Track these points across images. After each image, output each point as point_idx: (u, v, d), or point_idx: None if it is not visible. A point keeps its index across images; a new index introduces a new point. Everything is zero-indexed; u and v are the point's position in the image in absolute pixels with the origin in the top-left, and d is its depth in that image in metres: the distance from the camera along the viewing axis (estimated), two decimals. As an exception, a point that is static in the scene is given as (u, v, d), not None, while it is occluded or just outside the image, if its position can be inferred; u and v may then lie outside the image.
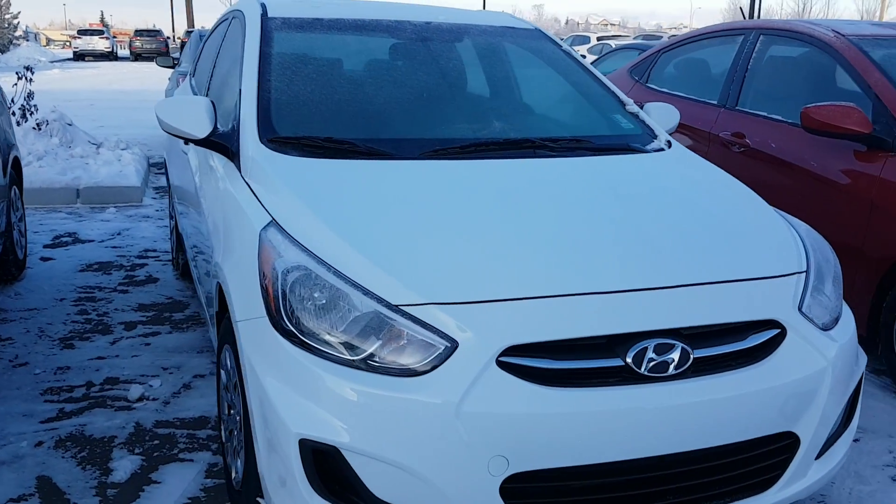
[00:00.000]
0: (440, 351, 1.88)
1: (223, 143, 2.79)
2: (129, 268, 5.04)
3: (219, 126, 2.83)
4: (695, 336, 2.02)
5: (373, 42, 3.29)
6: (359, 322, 1.93)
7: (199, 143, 2.82)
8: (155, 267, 5.07)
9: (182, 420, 3.05)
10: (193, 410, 3.13)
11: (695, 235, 2.30)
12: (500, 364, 1.87)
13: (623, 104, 3.27)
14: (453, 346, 1.87)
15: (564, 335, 1.91)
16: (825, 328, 2.22)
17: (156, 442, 2.88)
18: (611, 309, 1.98)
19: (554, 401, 1.86)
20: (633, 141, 2.95)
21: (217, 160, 2.90)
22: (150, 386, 3.33)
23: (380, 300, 1.93)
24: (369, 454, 1.85)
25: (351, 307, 1.95)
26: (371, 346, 1.91)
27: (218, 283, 2.50)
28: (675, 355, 1.96)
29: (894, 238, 3.43)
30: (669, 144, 3.03)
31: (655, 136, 3.08)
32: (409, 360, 1.89)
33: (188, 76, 4.81)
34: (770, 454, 2.12)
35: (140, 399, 3.21)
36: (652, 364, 1.94)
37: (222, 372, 2.56)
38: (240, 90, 2.89)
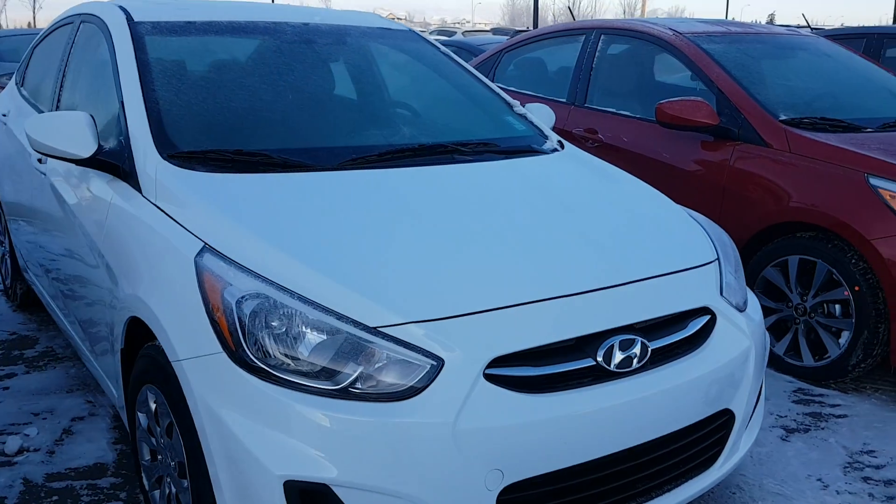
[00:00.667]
0: (426, 370, 1.83)
1: (112, 161, 2.54)
2: (-51, 303, 4.45)
3: (102, 143, 2.57)
4: (647, 329, 2.12)
5: (255, 45, 3.12)
6: (334, 348, 1.84)
7: (81, 163, 2.55)
8: (-18, 300, 4.52)
9: (76, 470, 2.75)
10: (85, 458, 2.83)
11: (628, 233, 2.41)
12: (487, 377, 1.86)
13: (510, 106, 3.34)
14: (439, 363, 1.84)
15: (542, 341, 1.94)
16: (740, 309, 2.41)
17: (54, 498, 2.58)
18: (576, 311, 2.03)
19: (540, 407, 1.87)
20: (532, 142, 3.03)
21: (100, 181, 2.63)
22: (27, 435, 2.97)
23: (356, 323, 1.85)
24: (362, 486, 1.78)
25: (324, 333, 1.85)
26: (351, 373, 1.83)
27: (129, 317, 2.28)
28: (637, 349, 2.04)
29: (745, 221, 3.78)
30: (562, 145, 3.14)
31: (547, 137, 3.18)
32: (393, 383, 1.82)
33: (13, 86, 4.31)
34: (713, 431, 2.27)
35: (20, 452, 2.85)
36: (620, 360, 2.01)
37: (140, 415, 2.33)
38: (121, 102, 2.64)
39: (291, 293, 1.90)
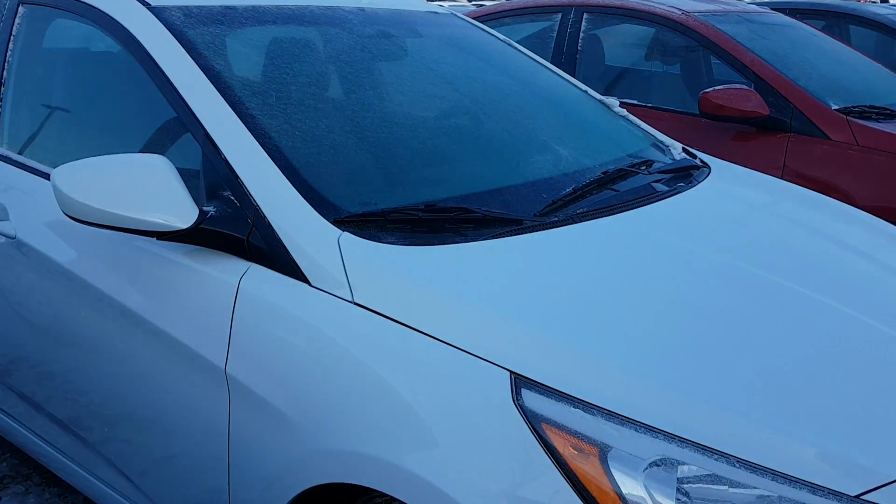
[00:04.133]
0: None
1: (230, 233, 1.65)
2: None
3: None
4: None
5: (326, 41, 2.25)
6: None
7: (166, 236, 1.64)
8: None
9: None
10: None
11: None
12: None
13: (609, 106, 2.74)
14: None
15: None
16: None
17: None
18: None
19: None
20: (683, 161, 2.46)
21: (197, 263, 1.71)
22: None
23: (836, 496, 1.23)
24: None
25: None
26: None
27: (312, 487, 1.48)
28: None
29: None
30: (692, 155, 2.62)
31: (667, 145, 2.64)
32: None
33: None
34: None
35: None
36: None
37: None
38: (208, 137, 1.74)
39: (727, 457, 1.23)
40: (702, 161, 2.52)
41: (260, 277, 1.63)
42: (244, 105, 1.81)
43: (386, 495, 1.48)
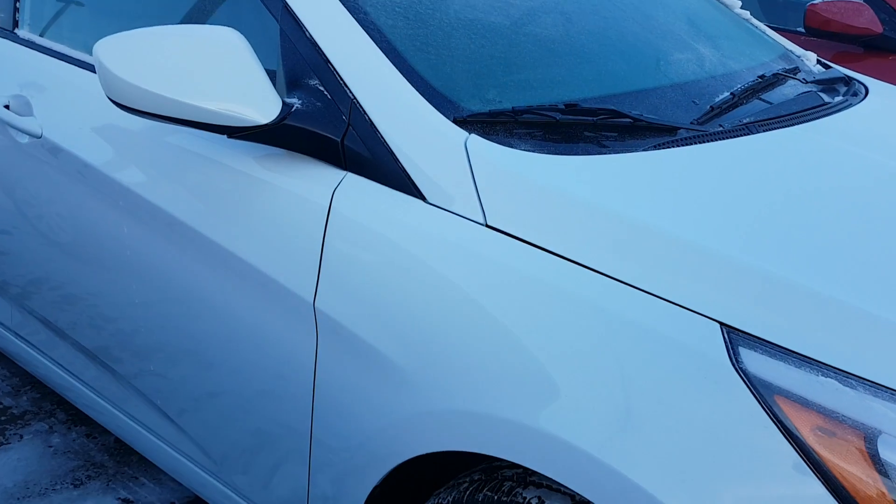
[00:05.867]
0: None
1: (321, 133, 1.29)
2: None
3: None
4: None
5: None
6: None
7: (247, 134, 1.28)
8: None
9: None
10: None
11: None
12: None
13: (728, 6, 2.34)
14: None
15: None
16: None
17: None
18: None
19: None
20: (834, 72, 2.07)
21: (281, 173, 1.35)
22: None
23: None
24: None
25: None
26: None
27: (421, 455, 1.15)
28: None
29: None
30: (828, 66, 2.23)
31: (798, 54, 2.25)
32: None
33: None
34: None
35: None
36: None
37: None
38: (293, 17, 1.36)
39: None
40: (843, 73, 2.14)
41: (359, 190, 1.27)
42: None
43: (518, 467, 1.16)
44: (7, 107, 1.77)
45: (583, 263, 1.10)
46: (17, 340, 2.11)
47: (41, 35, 1.85)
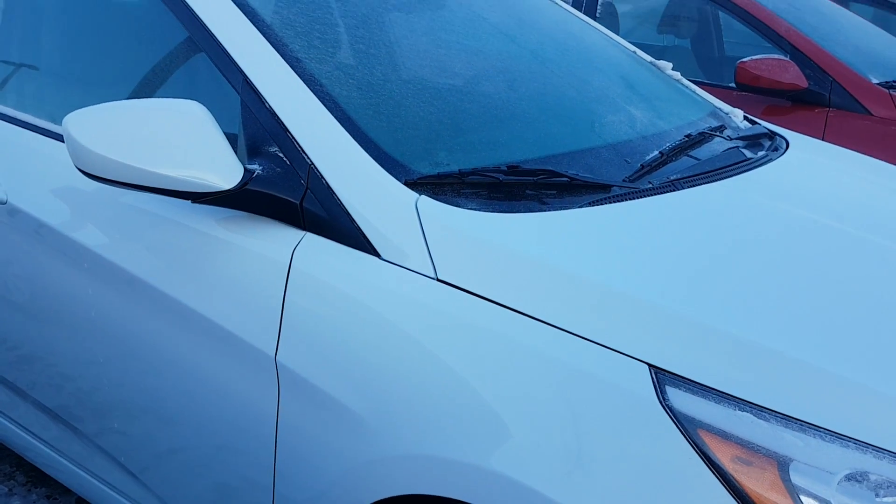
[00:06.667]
0: None
1: (278, 195, 1.38)
2: None
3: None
4: None
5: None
6: None
7: (202, 198, 1.37)
8: None
9: None
10: None
11: None
12: None
13: (661, 69, 2.50)
14: None
15: None
16: None
17: None
18: None
19: None
20: (758, 128, 2.23)
21: (240, 233, 1.43)
22: None
23: None
24: None
25: None
26: None
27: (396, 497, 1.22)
28: None
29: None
30: (754, 122, 2.40)
31: (726, 111, 2.41)
32: None
33: None
34: None
35: None
36: None
37: None
38: (249, 85, 1.46)
39: None
40: (767, 128, 2.30)
41: (317, 249, 1.36)
42: (288, 47, 1.53)
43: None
44: (-29, 174, 1.82)
45: (526, 313, 1.20)
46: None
47: (7, 104, 1.92)
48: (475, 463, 1.16)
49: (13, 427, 2.02)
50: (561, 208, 1.40)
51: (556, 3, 2.54)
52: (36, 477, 2.33)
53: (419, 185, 1.37)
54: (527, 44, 2.08)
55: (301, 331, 1.34)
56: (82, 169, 1.35)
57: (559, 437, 1.11)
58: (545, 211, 1.38)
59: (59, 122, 1.75)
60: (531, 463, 1.12)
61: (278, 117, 1.42)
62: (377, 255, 1.32)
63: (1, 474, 2.36)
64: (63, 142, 1.69)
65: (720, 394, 1.05)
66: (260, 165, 1.40)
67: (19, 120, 1.85)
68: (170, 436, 1.58)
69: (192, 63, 1.60)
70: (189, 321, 1.46)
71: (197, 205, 1.44)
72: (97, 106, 1.37)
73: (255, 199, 1.38)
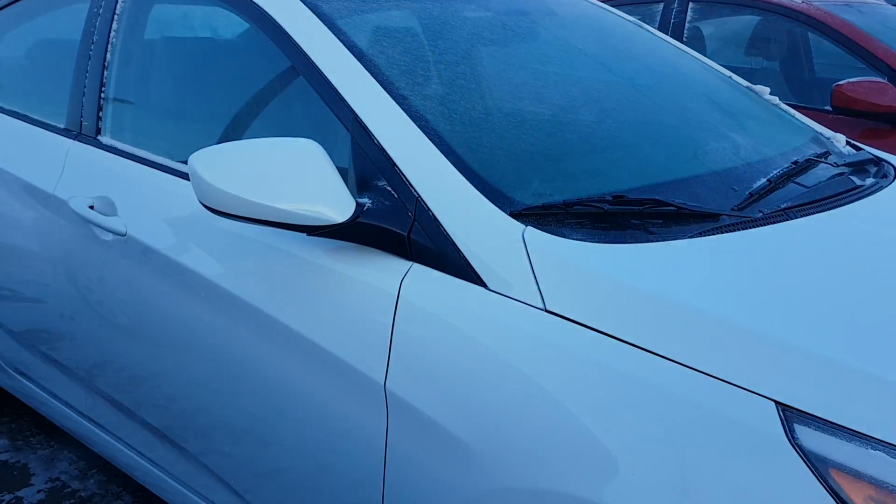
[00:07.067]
0: None
1: (388, 228, 1.42)
2: None
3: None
4: None
5: (461, 18, 2.01)
6: None
7: (324, 232, 1.41)
8: None
9: None
10: None
11: None
12: None
13: (758, 93, 2.46)
14: None
15: None
16: None
17: None
18: None
19: None
20: (864, 154, 2.17)
21: (347, 264, 1.47)
22: None
23: None
24: None
25: None
26: None
27: None
28: None
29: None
30: (859, 147, 2.33)
31: (828, 136, 2.35)
32: None
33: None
34: None
35: None
36: None
37: None
38: (358, 121, 1.50)
39: None
40: (872, 153, 2.23)
41: (425, 279, 1.38)
42: (394, 85, 1.58)
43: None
44: (92, 207, 1.92)
45: (640, 346, 1.19)
46: (85, 422, 2.22)
47: (122, 141, 2.02)
48: (588, 498, 1.15)
49: (121, 446, 2.10)
50: (669, 238, 1.39)
51: (646, 29, 2.54)
52: (142, 496, 2.42)
53: (524, 215, 1.38)
54: (622, 72, 2.08)
55: (410, 359, 1.36)
56: (206, 204, 1.41)
57: (677, 475, 1.10)
58: (653, 241, 1.38)
59: (175, 157, 1.85)
60: (645, 499, 1.11)
61: (386, 152, 1.46)
62: (484, 285, 1.33)
63: (109, 494, 2.45)
64: (180, 177, 1.79)
65: (851, 432, 1.03)
66: (370, 199, 1.44)
67: (136, 156, 1.94)
68: (274, 457, 1.62)
69: (303, 101, 1.66)
70: (298, 346, 1.50)
71: (308, 237, 1.49)
72: (220, 145, 1.43)
73: (366, 231, 1.42)
